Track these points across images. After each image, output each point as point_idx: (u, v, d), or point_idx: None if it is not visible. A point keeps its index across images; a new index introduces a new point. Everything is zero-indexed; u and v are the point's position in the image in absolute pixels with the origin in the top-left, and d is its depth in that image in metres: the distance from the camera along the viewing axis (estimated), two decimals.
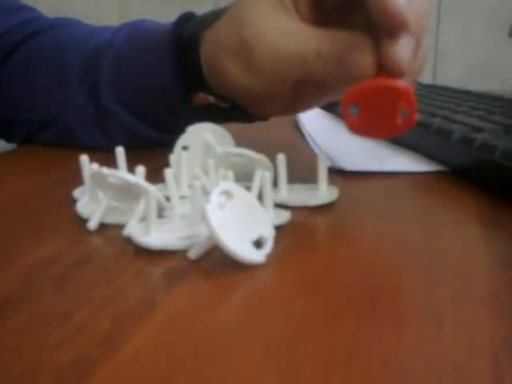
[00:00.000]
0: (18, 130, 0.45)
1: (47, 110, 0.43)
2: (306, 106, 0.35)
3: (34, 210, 0.28)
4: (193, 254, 0.20)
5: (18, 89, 0.44)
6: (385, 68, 0.25)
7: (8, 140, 0.48)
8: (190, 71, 0.35)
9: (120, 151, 0.28)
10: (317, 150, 0.40)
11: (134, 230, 0.22)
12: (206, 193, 0.22)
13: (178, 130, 0.36)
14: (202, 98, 0.39)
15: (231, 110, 0.37)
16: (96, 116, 0.41)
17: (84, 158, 0.27)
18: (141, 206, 0.23)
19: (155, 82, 0.37)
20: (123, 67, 0.39)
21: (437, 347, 0.15)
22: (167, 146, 0.31)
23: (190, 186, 0.23)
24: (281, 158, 0.28)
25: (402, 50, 0.25)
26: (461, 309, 0.17)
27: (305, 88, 0.31)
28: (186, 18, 0.37)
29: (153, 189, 0.23)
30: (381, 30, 0.26)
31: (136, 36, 0.40)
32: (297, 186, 0.29)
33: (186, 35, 0.35)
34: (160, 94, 0.37)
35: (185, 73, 0.36)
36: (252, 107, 0.34)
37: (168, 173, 0.24)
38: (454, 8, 1.07)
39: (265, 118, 0.37)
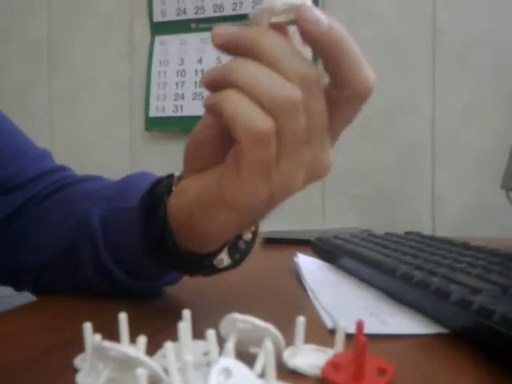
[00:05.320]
0: (25, 276, 0.47)
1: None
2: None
3: (36, 377, 0.28)
4: None
5: (32, 235, 0.46)
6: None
7: (16, 288, 0.50)
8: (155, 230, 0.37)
9: (123, 318, 0.29)
10: (320, 311, 0.40)
11: None
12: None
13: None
14: None
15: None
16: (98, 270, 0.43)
17: (87, 326, 0.28)
18: None
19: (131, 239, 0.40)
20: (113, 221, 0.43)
21: None
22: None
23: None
24: (300, 321, 0.28)
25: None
26: None
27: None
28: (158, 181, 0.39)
29: (150, 363, 0.23)
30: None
31: (125, 193, 0.44)
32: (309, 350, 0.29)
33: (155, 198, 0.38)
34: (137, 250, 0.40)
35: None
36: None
37: (168, 347, 0.24)
38: (448, 156, 1.12)
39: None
